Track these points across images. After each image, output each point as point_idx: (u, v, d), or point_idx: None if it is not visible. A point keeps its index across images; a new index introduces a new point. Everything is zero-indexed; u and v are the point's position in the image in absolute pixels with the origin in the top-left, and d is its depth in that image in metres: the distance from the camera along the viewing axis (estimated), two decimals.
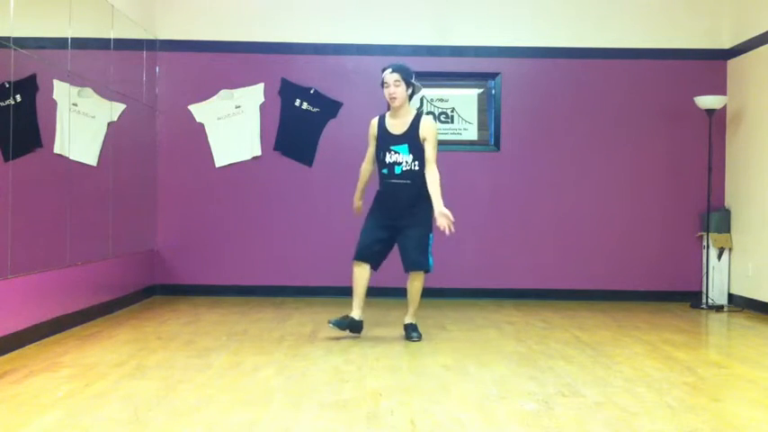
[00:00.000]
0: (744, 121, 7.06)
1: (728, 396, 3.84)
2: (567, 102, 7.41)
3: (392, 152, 5.05)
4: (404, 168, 5.03)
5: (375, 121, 5.21)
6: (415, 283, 5.14)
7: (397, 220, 5.05)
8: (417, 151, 5.02)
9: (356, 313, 5.13)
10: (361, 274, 5.11)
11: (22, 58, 4.83)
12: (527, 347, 4.95)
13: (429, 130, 5.04)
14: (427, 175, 4.97)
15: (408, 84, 5.06)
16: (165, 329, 5.47)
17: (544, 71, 7.41)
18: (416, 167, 5.02)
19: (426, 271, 5.10)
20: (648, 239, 7.39)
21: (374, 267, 5.13)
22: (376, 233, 5.09)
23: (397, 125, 5.09)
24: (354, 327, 5.13)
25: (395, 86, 5.03)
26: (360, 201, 5.38)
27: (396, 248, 5.18)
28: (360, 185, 5.36)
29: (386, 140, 5.10)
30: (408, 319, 5.23)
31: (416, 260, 5.04)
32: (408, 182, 5.03)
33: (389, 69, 5.08)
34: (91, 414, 3.30)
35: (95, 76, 5.96)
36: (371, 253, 5.08)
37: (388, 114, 5.18)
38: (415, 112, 5.17)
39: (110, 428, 3.11)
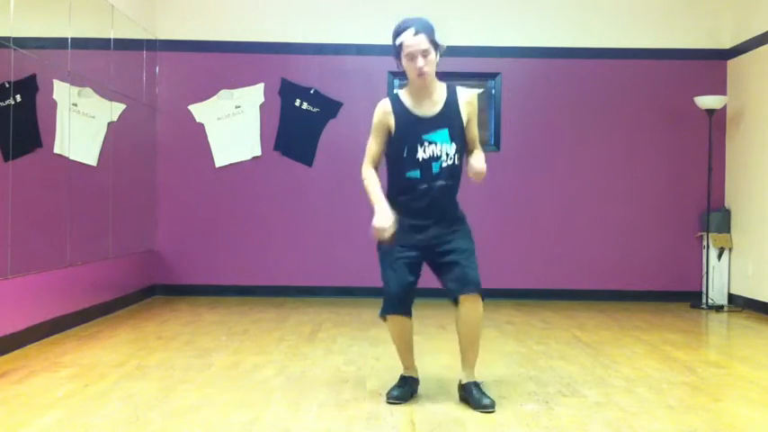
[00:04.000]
0: (744, 121, 7.06)
1: (728, 396, 3.84)
2: (567, 102, 7.41)
3: (426, 143, 3.53)
4: (444, 164, 3.53)
5: (386, 106, 3.59)
6: (478, 312, 3.56)
7: (432, 239, 3.59)
8: (460, 138, 3.59)
9: (411, 370, 3.76)
10: (404, 328, 3.66)
11: (22, 58, 4.83)
12: (527, 347, 4.94)
13: (474, 105, 3.68)
14: (477, 153, 3.67)
15: (437, 48, 3.56)
16: (165, 329, 5.47)
17: (544, 71, 7.40)
18: (458, 161, 3.58)
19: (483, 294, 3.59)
20: (648, 239, 7.39)
21: (410, 314, 3.67)
22: (407, 275, 3.57)
23: (426, 105, 3.59)
24: (414, 387, 3.72)
25: (423, 57, 3.49)
26: (391, 217, 3.48)
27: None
28: (378, 195, 3.54)
29: (414, 129, 3.54)
30: (468, 376, 3.61)
31: (475, 278, 3.57)
32: (450, 183, 3.57)
33: (412, 31, 3.47)
34: (91, 414, 3.30)
35: (95, 76, 5.96)
36: (408, 302, 3.62)
37: (405, 92, 3.64)
38: (444, 84, 3.67)
39: (110, 428, 3.11)
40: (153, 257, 7.24)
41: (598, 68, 7.40)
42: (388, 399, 3.57)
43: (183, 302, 6.86)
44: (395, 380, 3.88)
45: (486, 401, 3.47)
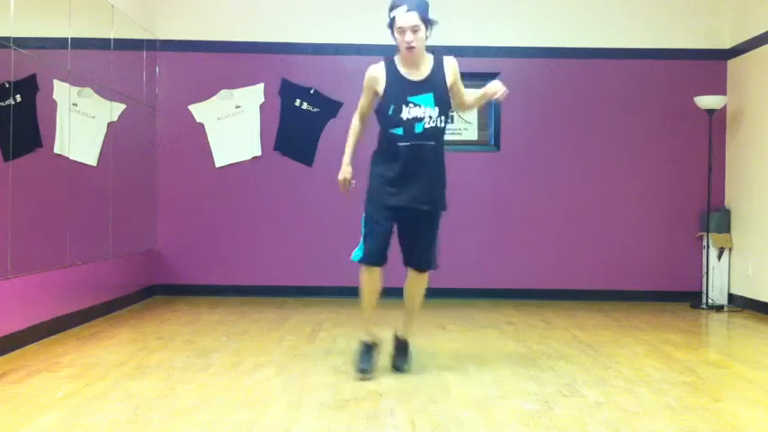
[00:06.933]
0: (744, 121, 7.06)
1: (728, 396, 3.84)
2: (567, 102, 7.41)
3: (411, 105, 3.88)
4: (426, 125, 3.88)
5: (374, 71, 4.00)
6: (421, 284, 4.16)
7: (410, 197, 3.94)
8: (444, 103, 3.94)
9: (371, 333, 4.15)
10: (376, 282, 4.05)
11: (22, 58, 4.83)
12: (527, 347, 4.94)
13: (457, 72, 4.03)
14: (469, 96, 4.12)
15: (428, 24, 3.90)
16: (165, 329, 5.47)
17: (544, 71, 7.40)
18: (441, 124, 3.94)
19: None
20: (648, 239, 7.39)
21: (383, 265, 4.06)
22: (388, 226, 3.98)
23: (414, 72, 3.96)
24: (378, 352, 4.16)
25: (412, 32, 3.83)
26: (350, 168, 4.12)
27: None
28: (350, 148, 4.13)
29: (401, 90, 3.92)
30: (402, 333, 4.26)
31: (430, 258, 4.10)
32: (432, 143, 3.91)
33: (404, 8, 3.82)
34: (91, 414, 3.30)
35: (95, 76, 5.96)
36: (384, 251, 3.99)
37: (398, 59, 4.01)
38: (432, 55, 4.02)
39: (110, 428, 3.11)
40: (153, 257, 7.24)
41: (598, 68, 7.40)
42: (358, 373, 3.96)
43: (183, 302, 6.86)
44: (395, 379, 3.89)
45: (404, 367, 4.12)
